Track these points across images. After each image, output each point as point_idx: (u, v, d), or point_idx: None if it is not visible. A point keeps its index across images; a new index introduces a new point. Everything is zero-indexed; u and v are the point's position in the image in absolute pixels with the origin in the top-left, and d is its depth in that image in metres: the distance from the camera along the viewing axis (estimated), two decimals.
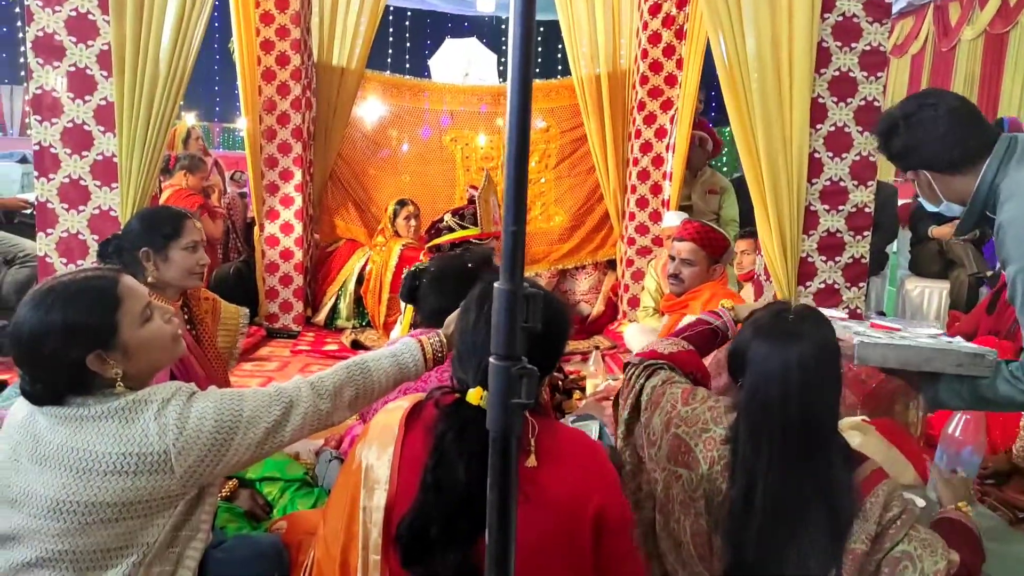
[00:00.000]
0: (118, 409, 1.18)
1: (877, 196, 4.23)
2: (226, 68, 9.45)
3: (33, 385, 1.19)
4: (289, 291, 4.18)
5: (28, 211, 4.11)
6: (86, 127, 2.73)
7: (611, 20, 4.39)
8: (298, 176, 4.12)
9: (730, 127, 2.58)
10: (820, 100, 2.44)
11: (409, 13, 9.81)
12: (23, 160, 6.23)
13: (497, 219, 4.34)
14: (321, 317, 4.30)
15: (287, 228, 4.15)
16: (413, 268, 2.17)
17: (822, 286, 2.52)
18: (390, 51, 9.90)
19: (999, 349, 2.61)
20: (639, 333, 3.72)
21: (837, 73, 2.44)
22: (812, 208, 2.49)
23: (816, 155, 2.47)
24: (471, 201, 3.82)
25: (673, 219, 3.86)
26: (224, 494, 1.89)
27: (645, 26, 4.21)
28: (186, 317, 2.12)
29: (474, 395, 1.19)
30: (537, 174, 4.80)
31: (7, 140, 8.28)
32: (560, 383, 2.98)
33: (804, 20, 2.35)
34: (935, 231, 4.57)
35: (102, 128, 2.72)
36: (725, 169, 9.34)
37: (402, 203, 4.16)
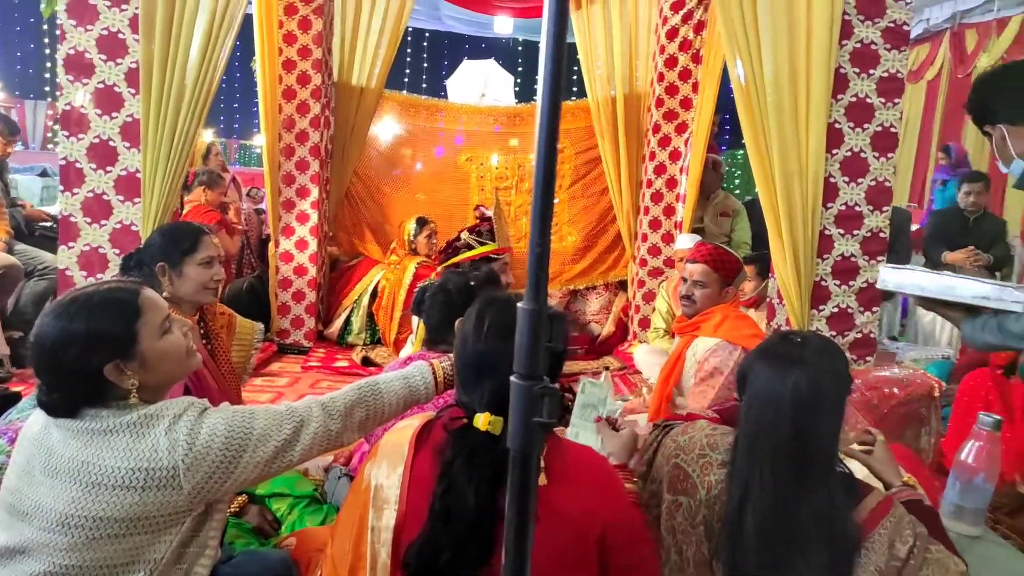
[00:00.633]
0: (130, 423, 1.18)
1: (892, 221, 4.24)
2: (245, 85, 9.58)
3: (50, 395, 1.20)
4: (301, 307, 4.21)
5: (48, 223, 4.18)
6: (111, 143, 2.78)
7: (628, 43, 4.44)
8: (315, 193, 4.16)
9: (744, 151, 2.60)
10: (836, 125, 2.45)
11: (427, 34, 9.92)
12: (44, 174, 6.33)
13: (506, 237, 4.38)
14: (334, 329, 4.32)
15: (302, 244, 4.19)
16: (423, 284, 2.21)
17: (835, 310, 2.52)
18: (407, 71, 10.00)
19: (979, 379, 2.61)
20: (649, 354, 3.72)
21: (854, 99, 2.45)
22: (827, 232, 2.49)
23: (832, 179, 2.47)
24: (483, 219, 3.86)
25: (686, 241, 3.87)
26: (233, 509, 1.90)
27: (662, 50, 4.25)
28: (202, 331, 2.14)
29: (482, 420, 1.19)
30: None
31: (29, 154, 8.40)
32: (568, 402, 2.98)
33: (822, 46, 2.37)
34: (948, 256, 4.56)
35: (127, 144, 2.78)
36: (737, 192, 9.35)
37: (423, 221, 4.21)
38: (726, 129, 8.09)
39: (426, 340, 2.17)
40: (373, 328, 4.31)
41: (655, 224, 4.42)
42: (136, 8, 2.67)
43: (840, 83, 2.42)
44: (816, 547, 1.20)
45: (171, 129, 2.71)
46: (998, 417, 2.04)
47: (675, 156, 4.37)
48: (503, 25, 7.55)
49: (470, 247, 3.66)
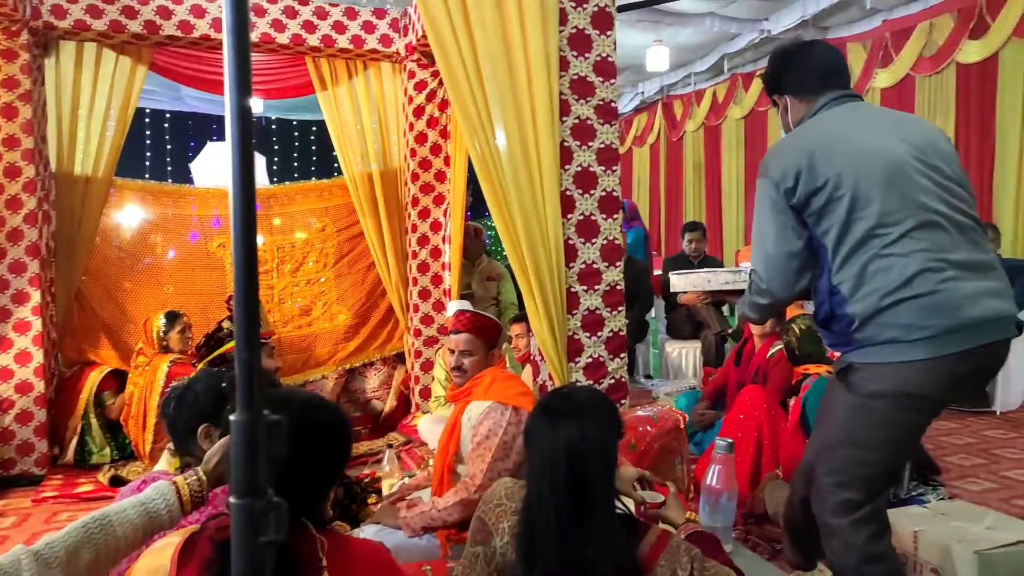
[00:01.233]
0: None
1: (631, 271, 4.71)
2: None
3: None
4: (29, 430, 3.63)
5: None
6: None
7: (378, 120, 4.55)
8: (36, 297, 3.66)
9: None
10: (568, 192, 2.69)
11: (168, 115, 9.34)
12: None
13: (268, 322, 4.18)
14: (70, 456, 3.77)
15: (24, 357, 3.64)
16: (176, 382, 1.98)
17: (589, 360, 2.72)
18: (148, 154, 9.29)
19: (755, 394, 2.99)
20: (433, 423, 3.72)
21: (579, 168, 2.71)
22: (573, 290, 2.70)
23: (570, 241, 2.70)
24: (228, 300, 3.67)
25: (456, 307, 3.98)
26: None
27: (411, 127, 4.41)
28: None
29: None
30: (316, 274, 4.72)
31: None
32: (355, 490, 2.86)
33: (546, 123, 2.61)
34: (682, 298, 5.17)
35: None
36: (501, 257, 9.86)
37: (174, 315, 3.82)
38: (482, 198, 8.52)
39: (176, 451, 1.96)
40: (120, 442, 3.82)
41: (424, 294, 4.50)
42: None
43: (566, 155, 2.67)
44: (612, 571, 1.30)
45: None
46: (731, 441, 2.33)
47: (436, 227, 4.51)
48: (253, 105, 7.36)
49: (233, 335, 3.43)
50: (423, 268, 4.49)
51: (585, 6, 2.70)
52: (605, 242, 2.75)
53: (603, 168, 2.75)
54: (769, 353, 3.52)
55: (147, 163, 9.22)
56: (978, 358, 1.57)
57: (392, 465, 3.18)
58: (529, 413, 1.55)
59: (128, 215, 4.33)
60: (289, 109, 9.07)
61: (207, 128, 8.86)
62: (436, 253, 4.51)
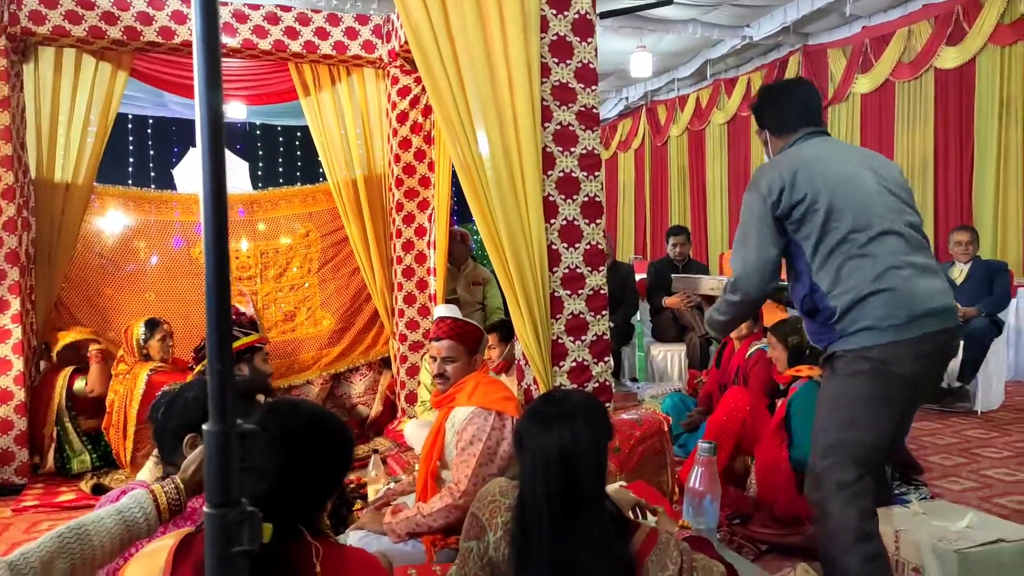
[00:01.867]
0: None
1: (616, 275, 4.72)
2: None
3: None
4: (9, 439, 3.58)
5: None
6: None
7: (361, 126, 4.54)
8: (16, 305, 3.62)
9: None
10: (550, 198, 2.70)
11: (151, 121, 9.30)
12: None
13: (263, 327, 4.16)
14: (50, 463, 3.73)
15: (3, 365, 3.60)
16: (167, 387, 1.95)
17: (573, 364, 2.72)
18: (131, 160, 9.23)
19: (738, 395, 3.02)
20: (419, 428, 3.71)
21: (562, 174, 2.72)
22: (556, 294, 2.71)
23: (553, 246, 2.70)
24: (239, 315, 3.64)
25: (444, 311, 3.97)
26: None
27: (395, 132, 4.41)
28: None
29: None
30: (300, 279, 4.70)
31: None
32: (347, 496, 2.85)
33: (528, 128, 2.62)
34: (666, 301, 5.20)
35: None
36: (486, 262, 9.85)
37: (154, 323, 3.77)
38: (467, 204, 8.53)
39: (164, 463, 1.94)
40: (102, 449, 3.79)
41: (410, 299, 4.49)
42: None
43: (548, 160, 2.68)
44: (605, 569, 1.34)
45: None
46: (713, 443, 2.34)
47: (421, 232, 4.51)
48: (236, 111, 7.34)
49: (235, 337, 3.42)
50: (408, 273, 4.48)
51: (566, 13, 2.71)
52: (588, 247, 2.76)
53: (585, 174, 2.76)
54: (748, 353, 3.55)
55: (130, 169, 9.17)
56: (935, 341, 1.86)
57: (378, 470, 3.18)
58: (520, 416, 1.58)
59: (110, 222, 4.30)
60: (273, 115, 9.05)
61: (190, 134, 8.82)
62: (421, 258, 4.51)
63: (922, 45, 6.79)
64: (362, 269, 4.58)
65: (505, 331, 3.69)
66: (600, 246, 2.79)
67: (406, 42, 3.76)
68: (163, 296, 4.32)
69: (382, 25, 4.35)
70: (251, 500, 1.10)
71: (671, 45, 8.36)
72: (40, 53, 3.90)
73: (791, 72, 8.30)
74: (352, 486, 3.09)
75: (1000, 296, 4.65)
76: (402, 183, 4.44)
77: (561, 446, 1.41)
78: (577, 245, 2.74)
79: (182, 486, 1.35)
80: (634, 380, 5.27)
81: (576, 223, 2.74)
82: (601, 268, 2.78)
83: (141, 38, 3.86)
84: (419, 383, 4.44)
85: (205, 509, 0.69)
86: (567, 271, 2.72)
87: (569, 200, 2.73)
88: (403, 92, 4.37)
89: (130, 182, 8.48)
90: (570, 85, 2.73)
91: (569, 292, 2.73)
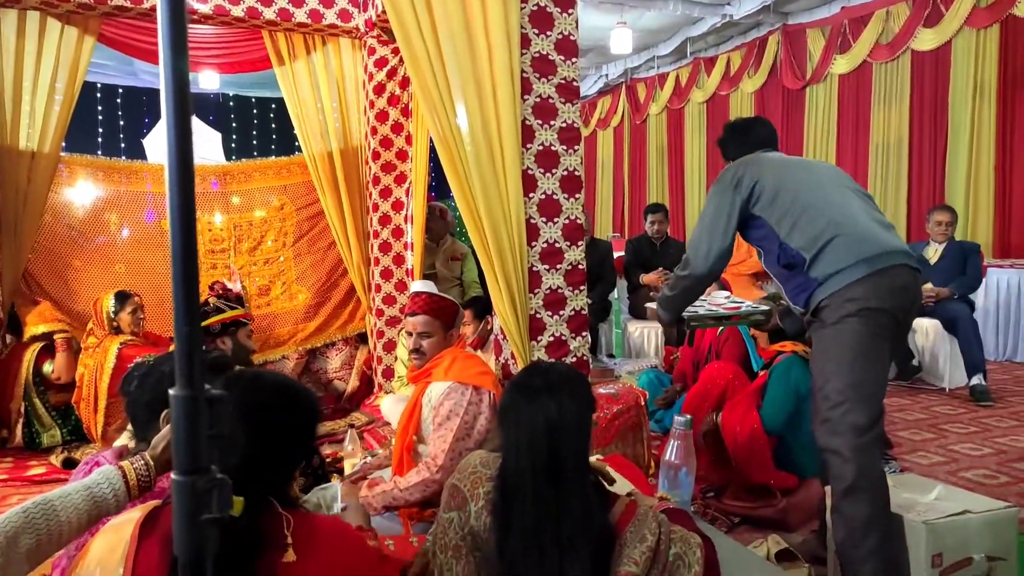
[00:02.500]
0: None
1: (595, 252, 4.71)
2: None
3: None
4: None
5: None
6: None
7: (338, 98, 4.46)
8: None
9: None
10: (529, 172, 2.67)
11: (121, 91, 9.06)
12: None
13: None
14: (18, 438, 3.66)
15: None
16: (140, 359, 1.89)
17: (551, 339, 2.72)
18: (100, 130, 9.00)
19: (720, 367, 3.07)
20: (396, 403, 3.69)
21: (541, 147, 2.70)
22: (535, 269, 2.69)
23: (532, 221, 2.68)
24: (226, 291, 3.57)
25: (420, 287, 3.95)
26: None
27: (372, 104, 4.34)
28: None
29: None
30: (275, 253, 4.63)
31: None
32: (318, 469, 2.84)
33: (507, 101, 2.58)
34: (644, 279, 5.21)
35: None
36: (465, 239, 9.81)
37: (124, 295, 3.69)
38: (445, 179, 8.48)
39: (137, 442, 1.90)
40: (72, 424, 3.72)
41: (387, 274, 4.45)
42: None
43: (527, 134, 2.65)
44: (581, 549, 1.35)
45: None
46: (690, 417, 2.35)
47: (398, 206, 4.46)
48: (209, 80, 7.17)
49: (220, 311, 3.36)
50: (385, 248, 4.44)
51: None
52: (567, 221, 2.74)
53: (565, 147, 2.74)
54: (720, 330, 3.57)
55: (99, 139, 8.95)
56: (903, 275, 1.99)
57: (354, 445, 3.16)
58: (505, 388, 1.57)
59: (80, 192, 4.19)
60: (247, 86, 8.87)
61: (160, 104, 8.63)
62: (398, 233, 4.47)
63: (900, 27, 6.82)
64: (338, 243, 4.53)
65: (479, 307, 3.67)
66: (579, 221, 2.78)
67: (383, 11, 3.69)
68: (133, 268, 4.24)
69: None
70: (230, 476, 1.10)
71: (651, 22, 8.31)
72: (2, 16, 3.76)
73: (770, 51, 8.30)
74: (329, 460, 3.07)
75: (972, 277, 4.73)
76: (379, 156, 4.37)
77: (547, 418, 1.41)
78: (556, 219, 2.72)
79: (152, 463, 1.32)
80: (611, 356, 5.30)
81: (555, 197, 2.72)
82: (580, 243, 2.77)
83: (108, 2, 3.74)
84: (396, 358, 4.41)
85: (173, 476, 0.67)
86: (545, 246, 2.71)
87: (548, 174, 2.71)
88: (380, 63, 4.29)
89: (99, 152, 8.28)
90: (550, 57, 2.69)
91: (548, 267, 2.72)
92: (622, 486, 1.83)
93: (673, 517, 1.58)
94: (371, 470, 2.70)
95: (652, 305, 2.53)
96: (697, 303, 2.57)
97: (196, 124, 5.91)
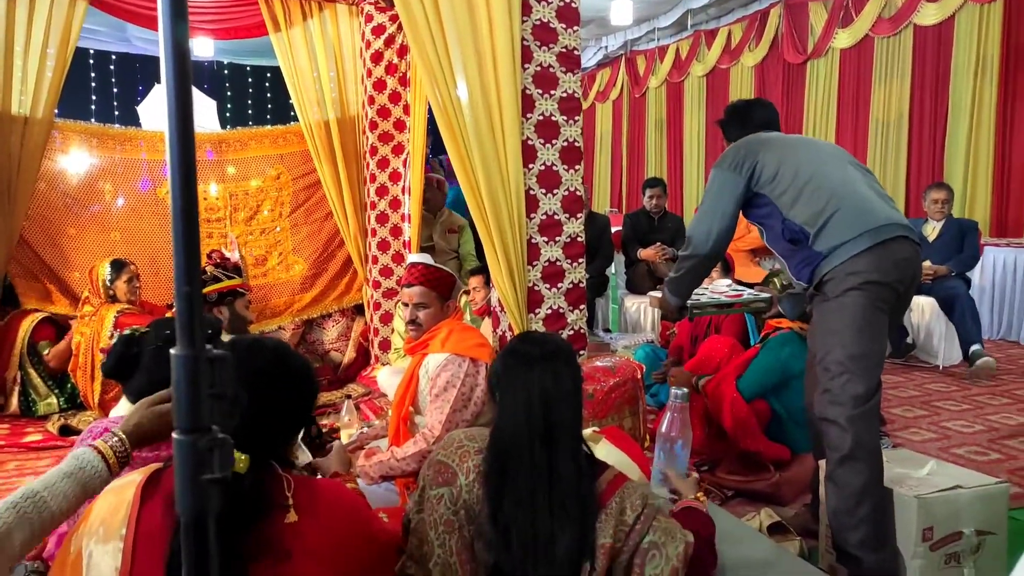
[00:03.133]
0: None
1: (593, 226, 4.69)
2: None
3: None
4: None
5: None
6: None
7: (335, 67, 4.40)
8: None
9: None
10: (529, 142, 2.65)
11: (115, 57, 8.93)
12: None
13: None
14: (14, 406, 3.66)
15: None
16: (127, 332, 1.87)
17: (549, 311, 2.72)
18: (94, 97, 8.89)
19: (721, 342, 3.09)
20: (392, 375, 3.69)
21: (541, 117, 2.67)
22: (533, 241, 2.68)
23: (531, 192, 2.66)
24: (224, 260, 3.56)
25: (417, 259, 3.93)
26: None
27: (369, 73, 4.28)
28: None
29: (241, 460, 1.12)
30: (271, 223, 4.60)
31: None
32: (316, 438, 2.85)
33: (507, 70, 2.55)
34: (641, 253, 5.20)
35: None
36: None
37: (120, 264, 3.68)
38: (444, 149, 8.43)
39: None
40: (68, 392, 3.72)
41: (384, 245, 4.43)
42: None
43: (527, 103, 2.62)
44: (572, 513, 1.36)
45: None
46: (686, 390, 2.36)
47: (395, 177, 4.42)
48: (203, 47, 7.06)
49: (217, 280, 3.35)
50: (382, 219, 4.41)
51: None
52: (567, 193, 2.72)
53: (565, 118, 2.71)
54: None
55: (93, 107, 8.84)
56: (905, 249, 2.00)
57: (351, 415, 3.17)
58: (497, 356, 1.56)
59: (74, 160, 4.14)
60: (242, 54, 8.74)
61: (155, 71, 8.50)
62: (395, 204, 4.44)
63: (903, 1, 6.74)
64: (335, 214, 4.50)
65: (489, 274, 3.67)
66: (579, 192, 2.76)
67: None
68: (129, 237, 4.21)
69: None
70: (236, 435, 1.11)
71: None
72: None
73: (772, 25, 8.20)
74: (326, 430, 3.08)
75: (969, 255, 4.73)
76: (376, 126, 4.33)
77: (542, 387, 1.42)
78: (555, 191, 2.70)
79: (125, 437, 1.31)
80: (607, 331, 5.31)
81: (555, 168, 2.70)
82: (579, 215, 2.76)
83: None
84: (392, 330, 4.41)
85: (175, 435, 0.66)
86: (544, 217, 2.69)
87: (548, 144, 2.68)
88: (377, 31, 4.23)
89: (93, 120, 8.17)
90: (551, 25, 2.65)
91: (546, 239, 2.70)
92: (686, 487, 1.83)
93: (688, 516, 1.56)
94: (368, 440, 2.71)
95: (656, 294, 2.54)
96: (699, 291, 2.58)
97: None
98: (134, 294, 3.66)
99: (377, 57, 4.26)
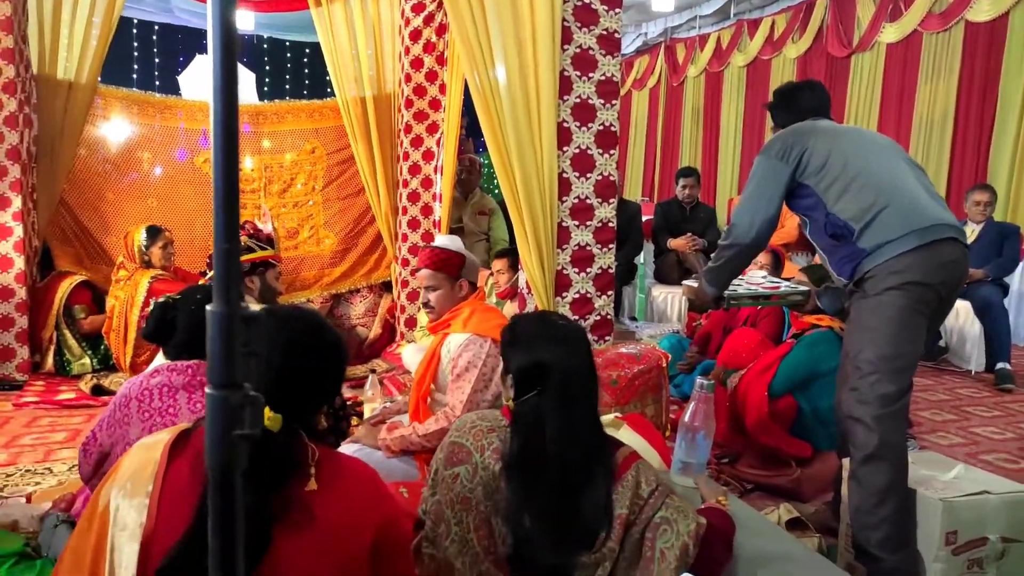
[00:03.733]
0: None
1: (623, 213, 4.67)
2: None
3: None
4: (11, 335, 3.61)
5: None
6: None
7: (374, 44, 4.41)
8: (17, 203, 3.59)
9: None
10: (565, 124, 2.63)
11: (157, 27, 9.03)
12: None
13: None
14: (49, 364, 3.76)
15: (5, 263, 3.59)
16: (163, 299, 1.94)
17: (576, 296, 2.71)
18: (136, 66, 9.02)
19: (749, 336, 3.05)
20: (417, 353, 3.72)
21: (578, 100, 2.65)
22: (564, 224, 2.67)
23: (565, 175, 2.65)
24: (256, 231, 3.60)
25: (445, 242, 3.95)
26: None
27: (407, 51, 4.28)
28: None
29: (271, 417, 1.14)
30: (304, 196, 4.65)
31: None
32: (339, 410, 2.88)
33: (546, 51, 2.53)
34: (672, 243, 5.16)
35: None
36: (498, 191, 9.75)
37: (155, 230, 3.75)
38: (479, 131, 8.41)
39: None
40: (102, 353, 3.82)
41: (414, 224, 4.45)
42: None
43: (565, 85, 2.60)
44: (601, 471, 1.40)
45: None
46: (712, 381, 2.34)
47: (428, 156, 4.43)
48: (243, 20, 7.11)
49: (251, 250, 3.40)
50: (413, 197, 4.43)
51: None
52: (600, 178, 2.70)
53: (603, 101, 2.69)
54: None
55: (134, 76, 8.97)
56: (952, 250, 1.96)
57: (374, 390, 3.21)
58: (515, 320, 1.59)
59: (114, 127, 4.22)
60: (282, 29, 8.78)
61: (196, 42, 8.59)
62: (427, 183, 4.45)
63: None
64: (367, 190, 4.53)
65: (514, 257, 3.67)
66: (612, 178, 2.74)
67: None
68: (165, 203, 4.29)
69: None
70: (271, 396, 1.12)
71: None
72: None
73: (817, 16, 8.02)
74: (349, 403, 3.12)
75: (1009, 260, 4.61)
76: (412, 104, 4.33)
77: (564, 362, 1.44)
78: (589, 175, 2.69)
79: None
80: (633, 319, 5.29)
81: (589, 152, 2.68)
82: (612, 200, 2.74)
83: None
84: (419, 308, 4.44)
85: (207, 390, 0.67)
86: (577, 201, 2.68)
87: (584, 128, 2.66)
88: (417, 8, 4.22)
89: (134, 89, 8.31)
90: (592, 5, 2.62)
91: (577, 223, 2.69)
92: (708, 489, 1.83)
93: (712, 515, 1.56)
94: (390, 415, 2.74)
95: (690, 282, 2.51)
96: (736, 281, 2.53)
97: None
98: (168, 260, 3.73)
99: (416, 35, 4.25)
